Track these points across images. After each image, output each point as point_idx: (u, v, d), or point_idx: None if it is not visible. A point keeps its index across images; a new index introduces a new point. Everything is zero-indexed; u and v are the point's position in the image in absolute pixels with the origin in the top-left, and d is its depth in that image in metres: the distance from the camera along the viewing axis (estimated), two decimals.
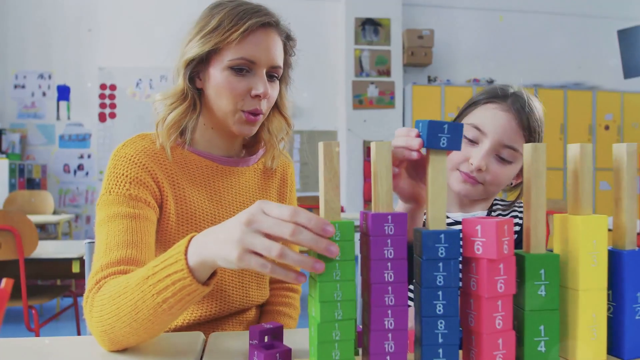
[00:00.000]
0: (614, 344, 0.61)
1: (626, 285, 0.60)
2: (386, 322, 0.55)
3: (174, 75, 0.96)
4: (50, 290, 2.46)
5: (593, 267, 0.59)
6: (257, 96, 0.92)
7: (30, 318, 2.12)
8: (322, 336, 0.54)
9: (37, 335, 2.16)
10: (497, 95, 0.97)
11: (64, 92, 5.11)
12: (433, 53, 5.47)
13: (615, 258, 0.61)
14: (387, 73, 5.39)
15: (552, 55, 5.76)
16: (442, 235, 0.56)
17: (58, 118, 5.10)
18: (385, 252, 0.55)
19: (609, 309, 0.62)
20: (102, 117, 5.18)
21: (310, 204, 4.11)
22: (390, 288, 0.55)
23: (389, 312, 0.55)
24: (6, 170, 4.24)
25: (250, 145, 1.08)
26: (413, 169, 0.70)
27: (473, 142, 0.96)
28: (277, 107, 1.04)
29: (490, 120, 0.95)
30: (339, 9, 5.37)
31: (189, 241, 0.64)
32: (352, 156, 5.32)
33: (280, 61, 0.95)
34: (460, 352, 0.61)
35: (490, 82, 5.48)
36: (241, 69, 0.91)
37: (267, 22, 0.92)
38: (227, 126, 0.96)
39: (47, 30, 5.02)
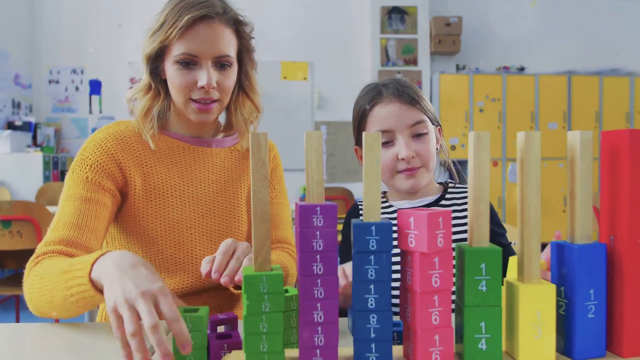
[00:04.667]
0: (565, 342, 0.58)
1: (578, 282, 0.57)
2: (315, 315, 0.54)
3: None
4: None
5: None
6: (203, 87, 0.97)
7: None
8: (249, 328, 0.54)
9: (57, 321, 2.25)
10: (375, 96, 1.04)
11: (95, 87, 5.26)
12: (461, 40, 5.31)
13: (566, 252, 0.58)
14: (414, 62, 5.27)
15: (587, 41, 5.49)
16: (373, 228, 0.54)
17: (90, 112, 5.25)
18: (314, 244, 0.54)
19: (561, 306, 0.58)
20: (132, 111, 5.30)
21: (337, 195, 4.09)
22: (319, 281, 0.54)
23: (318, 305, 0.54)
24: (40, 162, 4.41)
25: (228, 128, 1.13)
26: None
27: (390, 142, 1.01)
28: (245, 92, 1.09)
29: (386, 117, 1.01)
30: None
31: (100, 256, 0.71)
32: None
33: (227, 50, 0.98)
34: (401, 346, 0.59)
35: (521, 69, 5.30)
36: (187, 62, 0.97)
37: (206, 15, 0.94)
38: (186, 115, 1.02)
39: (79, 27, 5.16)
